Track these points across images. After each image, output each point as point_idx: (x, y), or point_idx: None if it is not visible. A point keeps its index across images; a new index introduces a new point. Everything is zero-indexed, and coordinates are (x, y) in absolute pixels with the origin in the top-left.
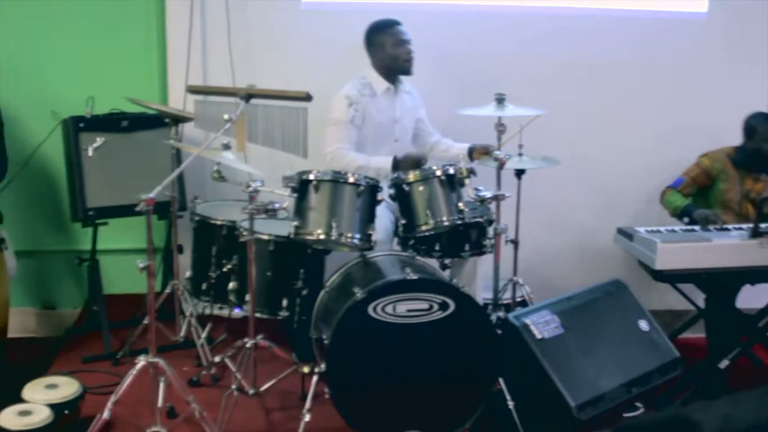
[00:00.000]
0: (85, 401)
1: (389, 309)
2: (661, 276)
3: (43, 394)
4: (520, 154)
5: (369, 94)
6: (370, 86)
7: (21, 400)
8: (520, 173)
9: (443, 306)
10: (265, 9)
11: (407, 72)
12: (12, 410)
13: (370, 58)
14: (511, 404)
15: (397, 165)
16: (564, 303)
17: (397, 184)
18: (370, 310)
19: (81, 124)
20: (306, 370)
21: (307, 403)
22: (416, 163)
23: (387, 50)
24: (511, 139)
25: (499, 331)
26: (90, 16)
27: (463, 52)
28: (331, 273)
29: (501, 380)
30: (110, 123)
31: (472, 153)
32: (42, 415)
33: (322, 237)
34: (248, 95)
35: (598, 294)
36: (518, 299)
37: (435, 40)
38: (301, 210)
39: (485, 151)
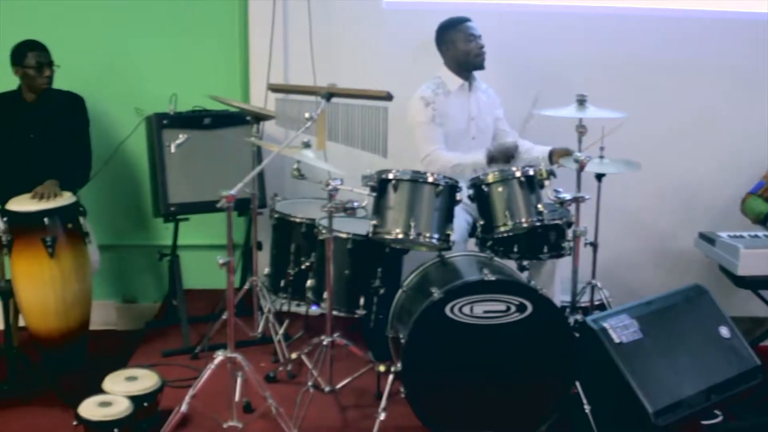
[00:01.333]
0: (164, 394)
1: (466, 310)
2: (743, 282)
3: (124, 385)
4: (601, 157)
5: (443, 93)
6: (444, 85)
7: (101, 391)
8: (600, 176)
9: (521, 308)
10: (347, 8)
11: (479, 66)
12: (93, 401)
13: (442, 57)
14: (587, 408)
15: (492, 157)
16: (643, 307)
17: (476, 185)
18: (447, 310)
19: (164, 121)
20: (382, 368)
21: (383, 402)
22: (510, 153)
23: (458, 46)
24: (594, 144)
25: (577, 335)
26: (174, 16)
27: (540, 53)
28: (409, 272)
29: (578, 384)
30: (193, 120)
31: (552, 156)
32: (122, 407)
33: (400, 236)
34: (329, 94)
35: (677, 299)
36: (596, 303)
37: (513, 40)
38: (380, 209)
39: (566, 153)
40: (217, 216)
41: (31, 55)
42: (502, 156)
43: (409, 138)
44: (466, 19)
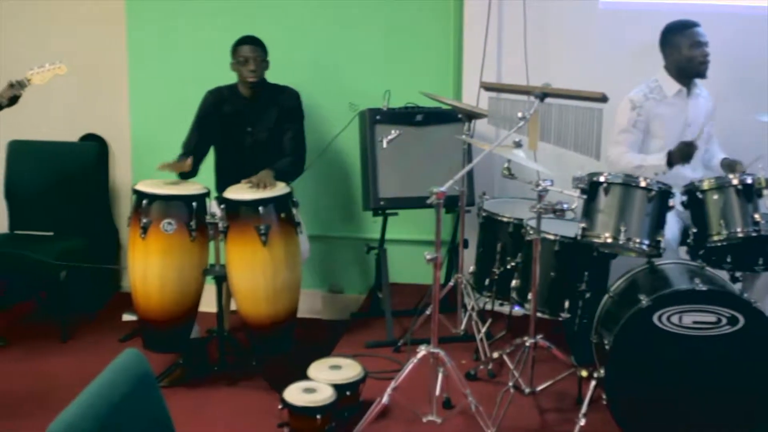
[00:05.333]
0: (365, 385)
1: (675, 319)
2: None
3: (328, 373)
4: None
5: (657, 98)
6: (660, 89)
7: (306, 378)
8: None
9: (732, 320)
10: (562, 7)
11: (701, 75)
12: (298, 386)
13: (664, 59)
14: None
15: (671, 158)
16: None
17: (690, 191)
18: (654, 318)
19: (377, 117)
20: (584, 373)
21: (583, 408)
22: (687, 151)
23: (682, 52)
24: None
25: None
26: (390, 13)
27: (760, 57)
28: (616, 278)
29: None
30: (405, 116)
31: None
32: (325, 394)
33: (609, 240)
34: (543, 94)
35: None
36: None
37: (731, 43)
38: (589, 212)
39: (732, 168)
40: (425, 212)
41: (240, 49)
42: (680, 154)
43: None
44: (694, 24)
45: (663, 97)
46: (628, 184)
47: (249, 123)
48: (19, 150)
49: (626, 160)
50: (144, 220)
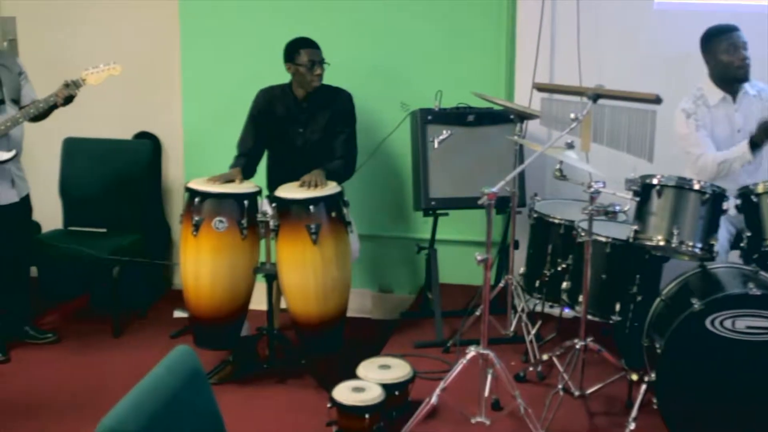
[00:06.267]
0: (414, 385)
1: (728, 324)
2: None
3: (377, 373)
4: None
5: (703, 105)
6: (704, 98)
7: (355, 377)
8: None
9: None
10: (616, 8)
11: (742, 79)
12: (346, 385)
13: (706, 65)
14: None
15: (753, 142)
16: None
17: (744, 195)
18: (707, 322)
19: (429, 117)
20: (634, 377)
21: (633, 412)
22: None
23: (719, 57)
24: None
25: None
26: (443, 14)
27: None
28: (668, 281)
29: None
30: (457, 117)
31: None
32: (374, 393)
33: (661, 243)
34: (596, 95)
35: None
36: None
37: None
38: (642, 214)
39: None
40: (475, 212)
41: (304, 53)
42: (762, 132)
43: (675, 143)
44: (731, 29)
45: (708, 106)
46: (682, 186)
47: (300, 124)
48: (74, 147)
49: (710, 158)
50: (196, 218)
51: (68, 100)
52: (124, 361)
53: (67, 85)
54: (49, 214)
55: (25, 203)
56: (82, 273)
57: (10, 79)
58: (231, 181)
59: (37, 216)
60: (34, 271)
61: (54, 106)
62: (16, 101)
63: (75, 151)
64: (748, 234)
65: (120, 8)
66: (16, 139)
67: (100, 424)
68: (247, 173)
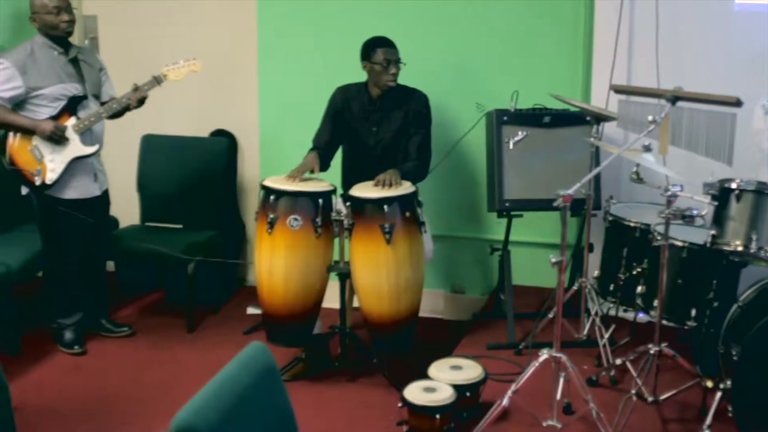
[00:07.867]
0: (486, 386)
1: None
2: None
3: (448, 373)
4: None
5: None
6: None
7: (426, 377)
8: None
9: None
10: (696, 9)
11: None
12: (418, 385)
13: None
14: None
15: None
16: None
17: None
18: None
19: (504, 118)
20: (710, 384)
21: (708, 419)
22: None
23: None
24: None
25: None
26: (520, 14)
27: None
28: (746, 287)
29: None
30: (532, 118)
31: None
32: (445, 394)
33: (740, 249)
34: (675, 97)
35: None
36: None
37: None
38: (720, 219)
39: None
40: (549, 214)
41: (380, 52)
42: None
43: (748, 139)
44: None
45: None
46: (761, 191)
47: (374, 123)
48: (152, 144)
49: None
50: (271, 216)
51: (141, 102)
52: (198, 356)
53: (136, 89)
54: (126, 209)
55: (105, 197)
56: (157, 268)
57: (91, 75)
58: (310, 171)
59: (114, 211)
60: (110, 265)
61: (127, 108)
62: (97, 96)
63: (153, 147)
64: None
65: (198, 8)
66: (98, 134)
67: (177, 417)
68: (322, 164)
